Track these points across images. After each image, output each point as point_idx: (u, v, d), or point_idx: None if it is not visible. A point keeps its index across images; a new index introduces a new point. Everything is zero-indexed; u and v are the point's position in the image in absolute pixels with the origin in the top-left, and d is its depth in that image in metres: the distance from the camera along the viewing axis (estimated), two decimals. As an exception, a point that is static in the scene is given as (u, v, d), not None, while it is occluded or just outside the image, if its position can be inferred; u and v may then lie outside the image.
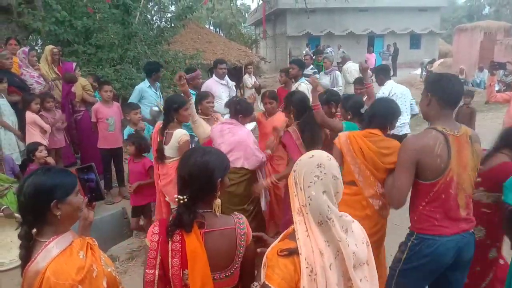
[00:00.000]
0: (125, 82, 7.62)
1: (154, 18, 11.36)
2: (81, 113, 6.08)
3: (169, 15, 10.89)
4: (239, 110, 3.84)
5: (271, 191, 4.22)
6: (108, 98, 5.50)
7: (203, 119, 4.37)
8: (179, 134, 3.78)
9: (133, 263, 4.37)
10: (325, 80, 7.39)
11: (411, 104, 5.51)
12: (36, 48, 9.70)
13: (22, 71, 5.59)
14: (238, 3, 41.28)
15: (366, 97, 4.86)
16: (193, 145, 5.15)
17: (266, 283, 1.48)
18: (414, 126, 9.17)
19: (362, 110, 3.54)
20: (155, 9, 12.43)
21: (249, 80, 10.40)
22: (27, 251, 1.54)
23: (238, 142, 3.66)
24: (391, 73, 22.18)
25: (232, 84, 6.42)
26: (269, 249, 1.58)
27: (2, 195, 4.21)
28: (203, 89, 5.48)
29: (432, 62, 20.15)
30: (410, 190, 2.39)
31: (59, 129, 5.61)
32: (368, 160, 2.75)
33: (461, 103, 7.86)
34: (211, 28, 37.78)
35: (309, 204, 1.48)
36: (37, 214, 1.55)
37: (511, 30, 19.64)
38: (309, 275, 1.42)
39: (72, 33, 7.98)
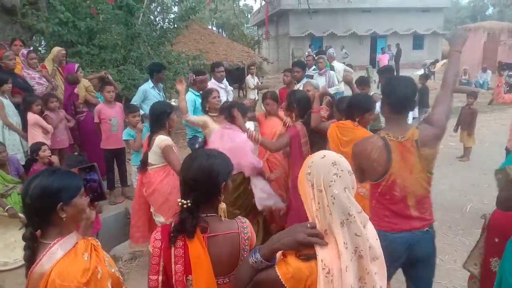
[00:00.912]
0: (128, 82, 7.65)
1: (157, 19, 11.39)
2: (84, 114, 6.10)
3: (172, 16, 10.89)
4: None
5: None
6: (110, 98, 5.53)
7: (212, 116, 4.34)
8: (160, 139, 3.63)
9: (136, 263, 4.38)
10: (320, 81, 7.39)
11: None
12: (40, 48, 9.76)
13: (23, 73, 5.62)
14: (241, 4, 41.29)
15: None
16: (197, 146, 5.17)
17: (276, 270, 1.45)
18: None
19: None
20: (158, 10, 12.45)
21: (252, 81, 10.41)
22: (32, 252, 1.54)
23: (235, 149, 3.54)
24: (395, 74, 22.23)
25: (230, 88, 6.45)
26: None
27: (6, 195, 4.23)
28: (204, 92, 5.48)
29: (434, 62, 20.11)
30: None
31: (66, 127, 5.64)
32: (336, 147, 3.22)
33: (464, 103, 7.88)
34: (214, 29, 37.82)
35: (333, 204, 1.44)
36: (43, 216, 1.55)
37: (514, 31, 19.60)
38: (326, 277, 1.40)
39: (76, 34, 8.00)
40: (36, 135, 4.94)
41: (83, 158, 5.80)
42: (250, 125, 4.67)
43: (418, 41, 29.17)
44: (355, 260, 1.45)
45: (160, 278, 1.67)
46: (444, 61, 23.73)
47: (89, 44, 8.20)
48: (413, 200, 2.38)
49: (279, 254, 1.52)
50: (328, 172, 1.47)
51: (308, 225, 1.46)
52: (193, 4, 9.81)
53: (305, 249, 1.44)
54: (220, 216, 1.75)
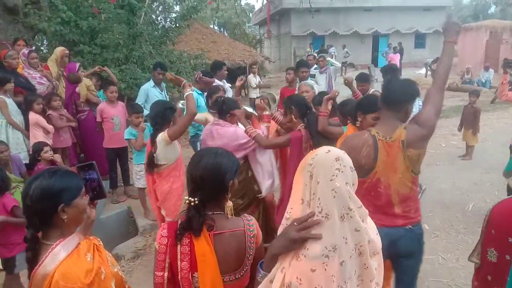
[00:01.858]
0: (130, 82, 7.66)
1: (159, 18, 11.42)
2: (85, 113, 6.11)
3: (173, 15, 10.91)
4: (226, 109, 3.76)
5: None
6: (113, 98, 5.55)
7: (214, 113, 4.31)
8: (160, 136, 3.62)
9: (139, 262, 4.39)
10: (321, 78, 7.43)
11: (419, 106, 5.48)
12: (42, 48, 9.78)
13: (24, 72, 5.64)
14: (243, 3, 41.28)
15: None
16: (198, 144, 5.17)
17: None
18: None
19: None
20: (160, 9, 12.49)
21: (254, 80, 10.42)
22: (34, 254, 1.54)
23: (227, 145, 3.52)
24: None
25: (228, 85, 6.47)
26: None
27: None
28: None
29: (436, 61, 20.04)
30: None
31: (68, 126, 5.66)
32: None
33: (466, 102, 7.86)
34: (216, 28, 37.82)
35: (334, 197, 1.44)
36: (44, 218, 1.54)
37: (517, 29, 19.54)
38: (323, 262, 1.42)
39: (78, 33, 8.02)
40: (37, 135, 4.96)
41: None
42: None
43: (420, 39, 29.11)
44: (355, 257, 1.45)
45: (166, 274, 1.68)
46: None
47: (91, 43, 8.22)
48: (397, 198, 2.46)
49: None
50: (330, 166, 1.47)
51: (295, 223, 1.46)
52: (195, 3, 9.84)
53: (302, 246, 1.45)
54: (227, 214, 1.76)
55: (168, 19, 11.10)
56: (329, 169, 1.47)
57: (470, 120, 7.39)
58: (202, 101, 5.19)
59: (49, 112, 5.30)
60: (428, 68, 20.04)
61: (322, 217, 1.45)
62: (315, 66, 8.20)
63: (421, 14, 28.19)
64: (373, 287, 1.51)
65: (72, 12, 7.73)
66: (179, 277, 1.67)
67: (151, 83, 6.01)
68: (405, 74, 21.03)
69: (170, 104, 3.89)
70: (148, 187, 4.02)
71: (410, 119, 2.60)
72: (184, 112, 4.17)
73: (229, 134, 3.71)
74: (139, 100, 5.90)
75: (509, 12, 42.31)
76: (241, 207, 3.79)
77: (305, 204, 1.50)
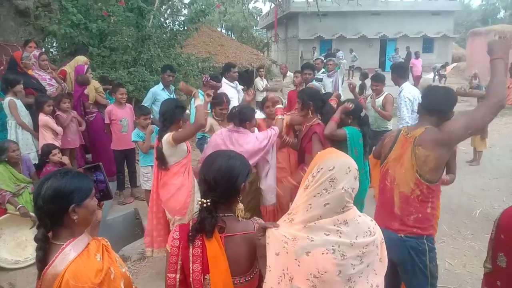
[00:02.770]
0: (139, 84, 7.71)
1: (167, 22, 11.45)
2: (93, 114, 6.17)
3: (182, 18, 10.94)
4: (244, 118, 3.78)
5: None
6: (123, 100, 5.60)
7: (217, 120, 4.46)
8: (166, 137, 3.61)
9: (145, 264, 4.41)
10: (328, 82, 7.48)
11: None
12: (51, 50, 9.88)
13: (34, 74, 5.72)
14: (250, 6, 41.34)
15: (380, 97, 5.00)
16: (205, 146, 5.18)
17: None
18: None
19: (362, 114, 3.77)
20: (168, 13, 12.54)
21: (261, 83, 10.45)
22: (44, 253, 1.55)
23: (246, 152, 3.52)
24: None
25: (240, 87, 6.49)
26: None
27: (18, 194, 4.30)
28: (215, 90, 5.50)
29: (444, 66, 19.97)
30: None
31: (77, 128, 5.73)
32: None
33: (475, 107, 7.80)
34: (223, 31, 37.94)
35: (307, 211, 1.57)
36: (55, 218, 1.56)
37: (526, 34, 19.39)
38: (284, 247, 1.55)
39: (87, 36, 8.08)
40: (46, 136, 5.02)
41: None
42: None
43: (428, 44, 29.00)
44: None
45: (178, 276, 1.70)
46: (454, 64, 23.57)
47: (100, 46, 8.28)
48: (398, 195, 2.46)
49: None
50: (320, 184, 1.56)
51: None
52: (203, 6, 9.85)
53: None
54: (237, 216, 1.78)
55: (177, 22, 11.12)
56: (318, 187, 1.56)
57: (479, 126, 7.33)
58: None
59: (58, 112, 5.36)
60: (436, 73, 19.98)
61: (288, 219, 1.61)
62: (322, 70, 8.22)
63: (429, 18, 28.10)
64: None
65: (82, 14, 7.81)
66: (190, 279, 1.68)
67: (160, 86, 6.06)
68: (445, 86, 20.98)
69: (181, 103, 3.89)
70: (153, 188, 4.01)
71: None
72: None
73: (252, 142, 3.72)
74: (145, 102, 5.94)
75: (518, 17, 42.01)
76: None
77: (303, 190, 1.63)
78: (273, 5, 23.57)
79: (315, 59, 9.63)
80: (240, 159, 1.82)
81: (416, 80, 16.88)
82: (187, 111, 4.55)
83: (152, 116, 5.81)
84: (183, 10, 12.70)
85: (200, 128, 3.72)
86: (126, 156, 5.74)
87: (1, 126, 5.24)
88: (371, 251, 1.57)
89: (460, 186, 6.25)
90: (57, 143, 5.02)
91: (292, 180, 3.57)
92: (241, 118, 3.78)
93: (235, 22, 39.35)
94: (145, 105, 5.81)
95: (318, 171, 1.58)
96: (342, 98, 4.98)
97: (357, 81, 9.71)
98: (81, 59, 6.37)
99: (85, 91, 6.06)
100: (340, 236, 1.52)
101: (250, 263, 1.73)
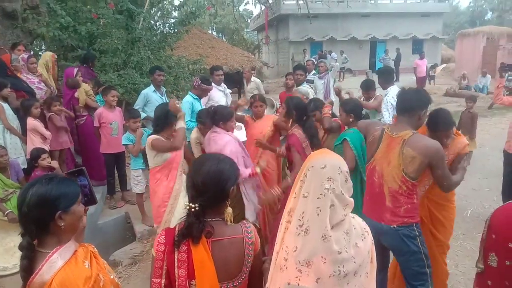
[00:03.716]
0: (129, 87, 7.64)
1: (157, 24, 11.38)
2: (84, 118, 6.10)
3: (172, 20, 10.89)
4: (218, 118, 3.83)
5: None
6: (114, 103, 5.54)
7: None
8: (148, 139, 3.67)
9: (136, 268, 4.37)
10: (319, 83, 7.51)
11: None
12: (40, 53, 9.77)
13: (22, 77, 5.64)
14: (241, 8, 41.43)
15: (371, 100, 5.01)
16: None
17: None
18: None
19: (363, 113, 3.84)
20: (158, 15, 12.48)
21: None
22: (30, 262, 1.50)
23: (220, 151, 3.51)
24: (394, 77, 22.10)
25: (228, 91, 6.49)
26: None
27: (6, 200, 4.22)
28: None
29: (434, 67, 20.13)
30: None
31: (67, 130, 5.66)
32: None
33: (464, 107, 7.87)
34: (214, 33, 37.92)
35: (318, 215, 1.50)
36: (40, 225, 1.51)
37: (513, 35, 19.66)
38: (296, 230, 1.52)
39: (76, 38, 8.01)
40: (34, 140, 4.94)
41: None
42: (239, 131, 4.78)
43: (417, 45, 29.21)
44: (337, 278, 1.50)
45: (163, 281, 1.66)
46: (444, 65, 23.81)
47: (89, 48, 8.20)
48: (388, 191, 2.67)
49: None
50: (321, 185, 1.52)
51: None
52: (193, 9, 9.83)
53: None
54: (226, 220, 1.75)
55: (167, 24, 11.08)
56: (319, 188, 1.51)
57: (467, 126, 7.41)
58: (197, 105, 5.23)
59: (51, 115, 5.30)
60: (427, 74, 20.12)
61: (302, 231, 1.51)
62: (313, 72, 8.24)
63: (418, 20, 28.34)
64: None
65: (71, 17, 7.74)
66: (176, 284, 1.65)
67: (151, 88, 6.02)
68: (402, 79, 21.14)
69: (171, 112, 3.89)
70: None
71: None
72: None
73: (221, 142, 3.72)
74: (138, 105, 5.90)
75: (506, 18, 42.61)
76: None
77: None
78: (263, 7, 23.58)
79: (306, 61, 9.66)
80: (230, 163, 1.79)
81: (420, 81, 15.98)
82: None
83: (146, 115, 5.77)
84: (173, 12, 12.63)
85: (174, 150, 3.70)
86: (116, 159, 5.67)
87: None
88: (362, 252, 1.57)
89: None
90: (46, 148, 4.94)
91: (279, 190, 3.59)
92: (215, 118, 3.83)
93: (225, 24, 39.35)
94: (138, 107, 5.77)
95: (309, 170, 1.56)
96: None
97: (348, 82, 9.74)
98: (47, 54, 6.31)
99: (75, 94, 6.00)
100: (346, 252, 1.51)
101: (239, 268, 1.69)
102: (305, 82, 6.72)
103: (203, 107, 5.15)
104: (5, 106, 4.96)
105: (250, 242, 1.72)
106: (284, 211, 1.61)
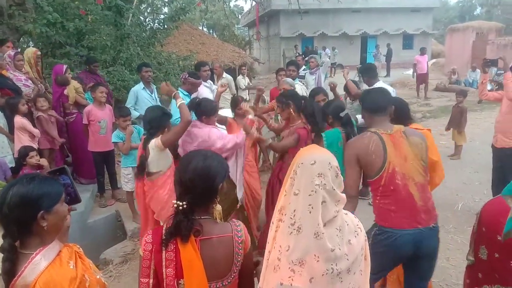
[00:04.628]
0: (118, 84, 7.58)
1: (147, 20, 11.30)
2: (73, 115, 6.01)
3: (162, 16, 10.80)
4: (201, 112, 3.71)
5: (248, 191, 4.31)
6: (103, 99, 5.45)
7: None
8: (154, 143, 3.52)
9: (127, 267, 4.32)
10: (310, 79, 7.50)
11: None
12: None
13: (9, 75, 5.55)
14: (231, 4, 41.30)
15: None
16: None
17: None
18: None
19: (342, 114, 3.76)
20: (148, 11, 12.38)
21: (243, 81, 10.38)
22: (12, 264, 1.46)
23: (200, 146, 3.48)
24: (385, 73, 22.12)
25: (215, 87, 6.45)
26: None
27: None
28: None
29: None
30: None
31: (55, 128, 5.58)
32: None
33: (454, 102, 7.92)
34: (205, 29, 37.73)
35: (310, 213, 1.47)
36: (22, 226, 1.47)
37: (502, 30, 19.82)
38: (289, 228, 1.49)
39: (64, 35, 7.90)
40: (22, 139, 4.85)
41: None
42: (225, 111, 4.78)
43: (408, 40, 29.38)
44: (330, 277, 1.48)
45: (151, 281, 1.63)
46: (434, 60, 23.93)
47: (78, 45, 8.12)
48: (415, 188, 2.44)
49: None
50: (311, 181, 1.49)
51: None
52: (183, 4, 9.76)
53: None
54: (215, 218, 1.72)
55: (156, 20, 10.99)
56: (309, 184, 1.49)
57: (456, 120, 7.48)
58: (187, 102, 5.16)
59: (39, 113, 5.22)
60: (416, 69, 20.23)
61: (294, 229, 1.48)
62: (303, 67, 8.24)
63: (408, 15, 28.47)
64: None
65: (59, 13, 7.63)
66: (164, 283, 1.62)
67: (140, 85, 5.97)
68: (393, 74, 21.25)
69: (167, 110, 3.82)
70: (137, 190, 3.92)
71: None
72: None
73: (202, 134, 3.61)
74: (129, 103, 5.85)
75: (495, 13, 42.95)
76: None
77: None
78: (254, 3, 23.49)
79: (296, 56, 9.66)
80: (218, 159, 1.75)
81: (421, 78, 14.74)
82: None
83: (139, 114, 5.72)
84: (163, 8, 12.52)
85: (187, 125, 3.51)
86: (105, 158, 5.60)
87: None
88: (355, 249, 1.55)
89: (443, 180, 6.31)
90: (34, 146, 4.87)
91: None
92: (199, 110, 3.72)
93: (216, 20, 39.18)
94: (129, 106, 5.70)
95: (299, 167, 1.53)
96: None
97: (339, 78, 9.75)
98: (29, 50, 6.20)
99: (65, 92, 5.91)
100: (339, 249, 1.49)
101: (228, 267, 1.66)
102: (297, 78, 6.73)
103: None
104: (-10, 104, 4.87)
105: (239, 241, 1.69)
106: (275, 209, 1.59)
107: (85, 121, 5.46)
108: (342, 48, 25.74)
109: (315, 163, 1.52)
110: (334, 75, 20.25)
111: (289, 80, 5.82)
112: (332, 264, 1.46)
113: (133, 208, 5.10)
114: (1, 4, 6.66)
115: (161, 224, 3.69)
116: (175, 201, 1.64)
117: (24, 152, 4.40)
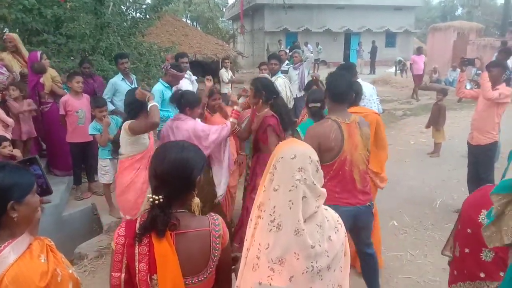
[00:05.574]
0: (97, 73, 7.38)
1: (128, 9, 11.04)
2: (48, 105, 5.82)
3: (144, 6, 10.57)
4: (184, 104, 3.71)
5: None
6: (79, 89, 5.29)
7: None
8: (125, 124, 3.53)
9: (102, 261, 4.22)
10: (294, 74, 7.52)
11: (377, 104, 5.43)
12: (3, 37, 9.30)
13: None
14: (216, -3, 40.88)
15: None
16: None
17: None
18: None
19: (311, 105, 3.79)
20: (129, 0, 12.12)
21: (226, 74, 10.31)
22: None
23: (186, 139, 3.51)
24: (369, 70, 22.28)
25: (194, 78, 6.37)
26: None
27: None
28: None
29: (407, 59, 20.48)
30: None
31: (30, 118, 5.41)
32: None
33: (434, 100, 8.01)
34: (188, 22, 37.29)
35: (290, 209, 1.42)
36: None
37: (482, 31, 20.18)
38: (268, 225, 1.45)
39: (41, 22, 7.64)
40: (-5, 128, 4.68)
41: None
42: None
43: (390, 38, 29.69)
44: (310, 275, 1.45)
45: (123, 276, 1.57)
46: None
47: (55, 32, 7.87)
48: (358, 174, 2.82)
49: None
50: (292, 176, 1.44)
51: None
52: (166, -6, 9.55)
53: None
54: (193, 211, 1.65)
55: (138, 10, 10.75)
56: (290, 179, 1.44)
57: (434, 117, 7.59)
58: (168, 94, 5.05)
59: (9, 101, 5.04)
60: (399, 66, 20.51)
61: (274, 226, 1.43)
62: (286, 62, 8.22)
63: (391, 13, 28.77)
64: None
65: (36, -1, 7.36)
66: (136, 279, 1.55)
67: (119, 76, 5.82)
68: (376, 72, 21.44)
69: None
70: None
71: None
72: None
73: (187, 127, 3.62)
74: (106, 94, 5.69)
75: (475, 14, 43.65)
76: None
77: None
78: (238, -4, 23.36)
79: (279, 51, 9.64)
80: (195, 150, 1.68)
81: (418, 79, 14.29)
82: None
83: (114, 108, 5.58)
84: (145, -2, 12.29)
85: (153, 127, 3.59)
86: (83, 149, 5.43)
87: None
88: (335, 246, 1.52)
89: (422, 177, 6.39)
90: (8, 135, 4.69)
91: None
92: (181, 103, 3.72)
93: (200, 12, 38.78)
94: (106, 97, 5.55)
95: (278, 161, 1.48)
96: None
97: (323, 74, 9.75)
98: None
99: (41, 80, 5.71)
100: (320, 245, 1.45)
101: (204, 262, 1.60)
102: (279, 72, 6.69)
103: None
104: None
105: (217, 235, 1.62)
106: (253, 205, 1.53)
107: (62, 112, 5.29)
108: (326, 44, 25.81)
109: (295, 157, 1.47)
110: (317, 71, 20.31)
111: (266, 75, 5.87)
112: (312, 262, 1.42)
113: (110, 201, 4.98)
114: (-26, -13, 6.39)
115: (120, 215, 3.67)
116: (150, 195, 1.56)
117: (-4, 141, 4.23)
